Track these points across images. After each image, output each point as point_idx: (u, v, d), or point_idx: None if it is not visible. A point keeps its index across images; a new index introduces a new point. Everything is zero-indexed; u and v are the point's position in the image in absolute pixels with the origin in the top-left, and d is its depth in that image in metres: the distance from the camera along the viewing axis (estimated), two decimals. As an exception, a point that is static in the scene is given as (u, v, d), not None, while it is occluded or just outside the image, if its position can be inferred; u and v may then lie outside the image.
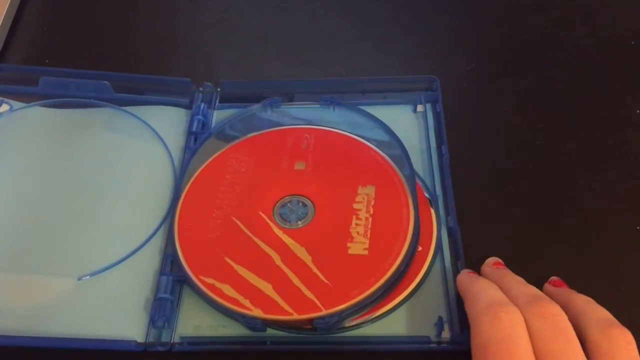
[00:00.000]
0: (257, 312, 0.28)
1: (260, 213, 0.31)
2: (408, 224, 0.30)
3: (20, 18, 0.43)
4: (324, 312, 0.27)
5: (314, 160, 0.33)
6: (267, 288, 0.28)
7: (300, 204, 0.31)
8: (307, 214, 0.31)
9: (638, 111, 0.36)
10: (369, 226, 0.30)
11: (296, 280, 0.28)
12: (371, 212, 0.30)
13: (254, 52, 0.40)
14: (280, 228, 0.30)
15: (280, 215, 0.31)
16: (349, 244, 0.29)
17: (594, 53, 0.39)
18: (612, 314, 0.24)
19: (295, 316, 0.27)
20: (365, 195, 0.31)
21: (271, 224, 0.31)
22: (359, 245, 0.29)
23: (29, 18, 0.43)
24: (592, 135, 0.35)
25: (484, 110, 0.37)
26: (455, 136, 0.34)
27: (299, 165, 0.33)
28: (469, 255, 0.29)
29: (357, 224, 0.30)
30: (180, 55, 0.40)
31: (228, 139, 0.35)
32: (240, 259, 0.29)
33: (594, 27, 0.40)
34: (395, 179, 0.32)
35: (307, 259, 0.29)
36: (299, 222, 0.31)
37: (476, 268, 0.29)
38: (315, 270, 0.29)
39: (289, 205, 0.31)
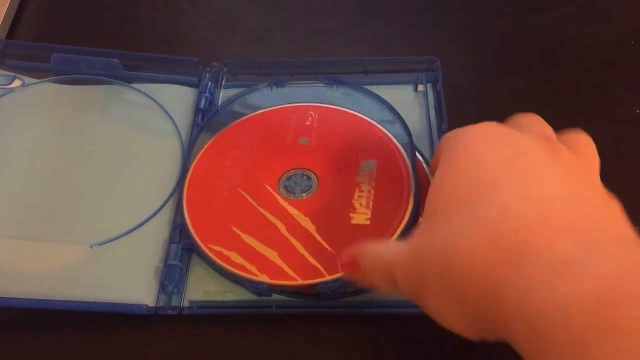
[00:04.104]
0: (263, 278, 0.29)
1: (266, 186, 0.32)
2: (409, 196, 0.31)
3: (21, 18, 0.43)
4: (327, 277, 0.28)
5: (318, 136, 0.34)
6: (273, 255, 0.29)
7: (305, 177, 0.32)
8: (311, 186, 0.32)
9: (638, 111, 0.36)
10: (372, 198, 0.31)
11: (301, 249, 0.30)
12: (373, 185, 0.31)
13: (254, 52, 0.41)
14: (286, 199, 0.32)
15: (286, 187, 0.32)
16: (351, 215, 0.30)
17: (594, 53, 0.39)
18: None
19: (300, 282, 0.29)
20: (367, 169, 0.32)
21: (277, 195, 0.32)
22: (361, 216, 0.30)
23: (29, 18, 0.43)
24: (592, 135, 0.35)
25: (484, 110, 0.36)
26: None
27: (304, 141, 0.34)
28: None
29: (359, 196, 0.31)
30: (180, 55, 0.40)
31: (234, 116, 0.36)
32: (247, 228, 0.31)
33: (594, 27, 0.41)
34: (396, 154, 0.33)
35: (312, 228, 0.30)
36: (304, 195, 0.32)
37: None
38: (319, 239, 0.30)
39: (294, 178, 0.32)
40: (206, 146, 0.34)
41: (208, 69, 0.38)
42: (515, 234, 0.19)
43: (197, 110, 0.36)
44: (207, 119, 0.36)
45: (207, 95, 0.37)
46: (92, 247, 0.31)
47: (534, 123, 0.25)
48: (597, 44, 0.40)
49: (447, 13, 0.43)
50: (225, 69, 0.38)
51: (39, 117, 0.36)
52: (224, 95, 0.38)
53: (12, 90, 0.37)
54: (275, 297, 0.29)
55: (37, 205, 0.32)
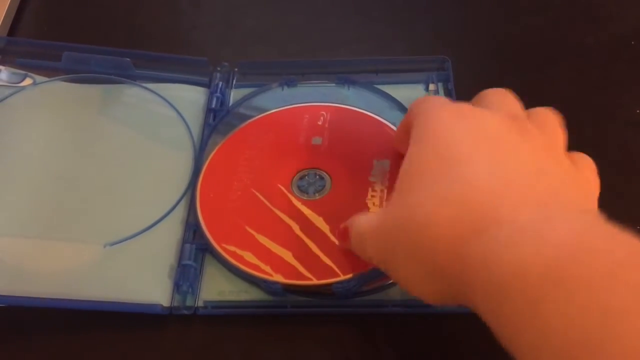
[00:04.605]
0: (277, 278, 0.29)
1: (279, 185, 0.32)
2: (422, 196, 0.31)
3: (21, 18, 0.43)
4: (342, 277, 0.28)
5: (330, 136, 0.34)
6: (287, 255, 0.29)
7: (318, 176, 0.32)
8: (324, 186, 0.32)
9: (638, 111, 0.36)
10: (385, 197, 0.31)
11: (315, 248, 0.30)
12: (386, 184, 0.31)
13: (254, 52, 0.41)
14: (299, 199, 0.32)
15: (298, 187, 0.32)
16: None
17: (594, 53, 0.39)
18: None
19: (315, 281, 0.29)
20: (380, 169, 0.32)
21: (290, 195, 0.32)
22: None
23: (29, 18, 0.43)
24: (592, 135, 0.35)
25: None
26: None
27: (316, 140, 0.34)
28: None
29: (372, 196, 0.31)
30: (180, 55, 0.39)
31: (246, 116, 0.36)
32: (260, 228, 0.31)
33: (594, 27, 0.41)
34: (409, 154, 0.33)
35: (325, 228, 0.30)
36: (316, 194, 0.32)
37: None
38: (333, 238, 0.30)
39: (306, 178, 0.33)
40: (218, 146, 0.34)
41: (219, 69, 0.38)
42: (480, 206, 0.20)
43: (209, 110, 0.36)
44: (218, 119, 0.36)
45: (218, 95, 0.37)
46: (105, 246, 0.31)
47: (501, 101, 0.26)
48: (597, 44, 0.40)
49: (448, 13, 0.43)
50: (236, 69, 0.38)
51: (50, 115, 0.36)
52: (234, 95, 0.38)
53: (23, 88, 0.37)
54: (289, 296, 0.29)
55: (49, 204, 0.32)
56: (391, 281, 0.29)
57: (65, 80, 0.37)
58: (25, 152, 0.34)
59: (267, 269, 0.29)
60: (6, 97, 0.36)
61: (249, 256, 0.30)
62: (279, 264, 0.29)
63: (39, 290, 0.29)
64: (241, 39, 0.42)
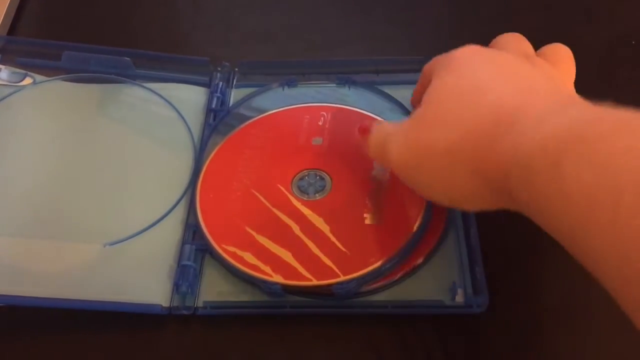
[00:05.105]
0: (277, 279, 0.29)
1: (279, 186, 0.32)
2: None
3: (21, 18, 0.43)
4: (342, 278, 0.28)
5: (330, 136, 0.34)
6: (287, 256, 0.29)
7: (318, 177, 0.32)
8: (324, 186, 0.32)
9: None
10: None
11: (315, 249, 0.30)
12: (387, 185, 0.31)
13: (253, 52, 0.41)
14: (299, 200, 0.32)
15: (299, 187, 0.32)
16: (365, 215, 0.30)
17: (594, 53, 0.39)
18: (612, 315, 0.23)
19: (315, 282, 0.29)
20: (381, 169, 0.32)
21: (290, 196, 0.32)
22: (375, 216, 0.30)
23: (29, 18, 0.43)
24: None
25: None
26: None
27: (316, 141, 0.34)
28: (480, 224, 0.30)
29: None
30: (180, 54, 0.39)
31: (246, 116, 0.36)
32: (260, 228, 0.31)
33: (594, 26, 0.41)
34: (409, 154, 0.33)
35: (325, 228, 0.30)
36: (317, 195, 0.32)
37: (488, 238, 0.30)
38: (333, 239, 0.30)
39: (306, 178, 0.32)
40: (218, 146, 0.34)
41: (219, 69, 0.38)
42: (509, 117, 0.22)
43: (209, 110, 0.36)
44: (218, 119, 0.36)
45: (219, 95, 0.37)
46: (105, 246, 0.31)
47: (512, 42, 0.28)
48: (597, 44, 0.40)
49: (448, 13, 0.43)
50: (236, 69, 0.38)
51: (50, 114, 0.36)
52: (235, 95, 0.38)
53: (22, 87, 0.37)
54: (288, 297, 0.29)
55: (49, 204, 0.32)
56: (391, 282, 0.29)
57: (65, 80, 0.37)
58: (25, 151, 0.34)
59: (267, 269, 0.29)
60: (6, 97, 0.36)
61: (248, 257, 0.30)
62: (278, 264, 0.29)
63: (39, 290, 0.29)
64: (241, 39, 0.42)
